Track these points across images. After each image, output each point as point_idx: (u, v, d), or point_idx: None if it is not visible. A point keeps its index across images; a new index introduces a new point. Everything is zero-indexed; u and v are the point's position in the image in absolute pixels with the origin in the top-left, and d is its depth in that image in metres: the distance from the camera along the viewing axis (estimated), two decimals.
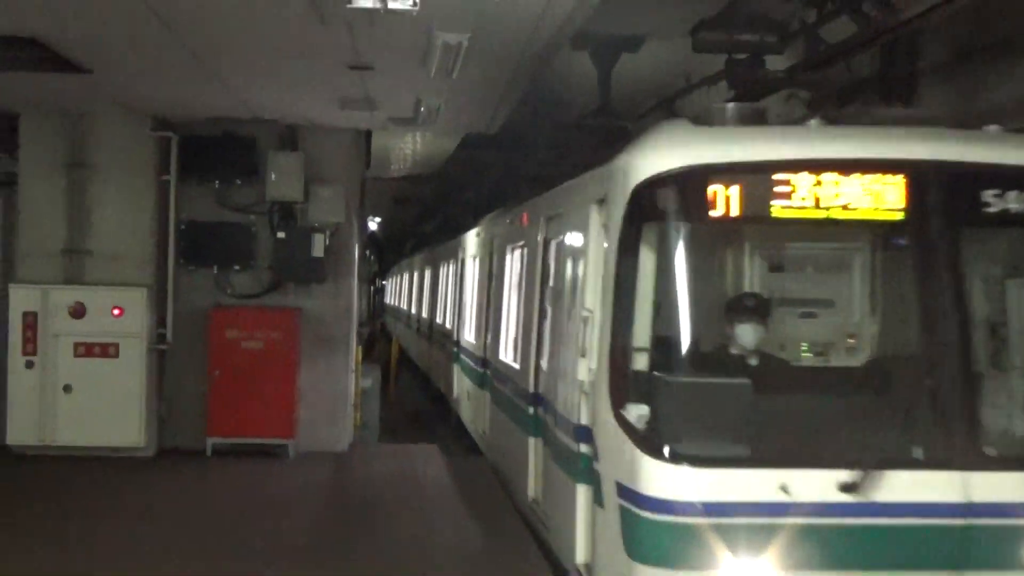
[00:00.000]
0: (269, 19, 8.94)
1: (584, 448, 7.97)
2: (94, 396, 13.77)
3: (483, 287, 15.74)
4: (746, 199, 6.82)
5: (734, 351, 7.52)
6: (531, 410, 10.64)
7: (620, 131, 11.86)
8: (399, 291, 42.51)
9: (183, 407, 14.47)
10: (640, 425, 6.85)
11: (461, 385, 18.44)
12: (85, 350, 13.82)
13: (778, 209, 6.85)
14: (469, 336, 17.25)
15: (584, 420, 8.05)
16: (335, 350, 15.11)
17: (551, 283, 10.26)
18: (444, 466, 14.75)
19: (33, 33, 9.71)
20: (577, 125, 13.98)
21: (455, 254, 21.28)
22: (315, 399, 14.80)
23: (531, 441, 10.60)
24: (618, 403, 7.06)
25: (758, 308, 7.59)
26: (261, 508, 11.82)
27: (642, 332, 7.14)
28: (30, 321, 13.79)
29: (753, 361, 7.52)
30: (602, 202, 7.99)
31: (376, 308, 49.99)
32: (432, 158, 20.80)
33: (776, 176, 6.85)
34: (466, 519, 11.64)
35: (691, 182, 6.92)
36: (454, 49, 9.37)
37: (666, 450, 6.68)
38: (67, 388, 13.77)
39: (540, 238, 10.83)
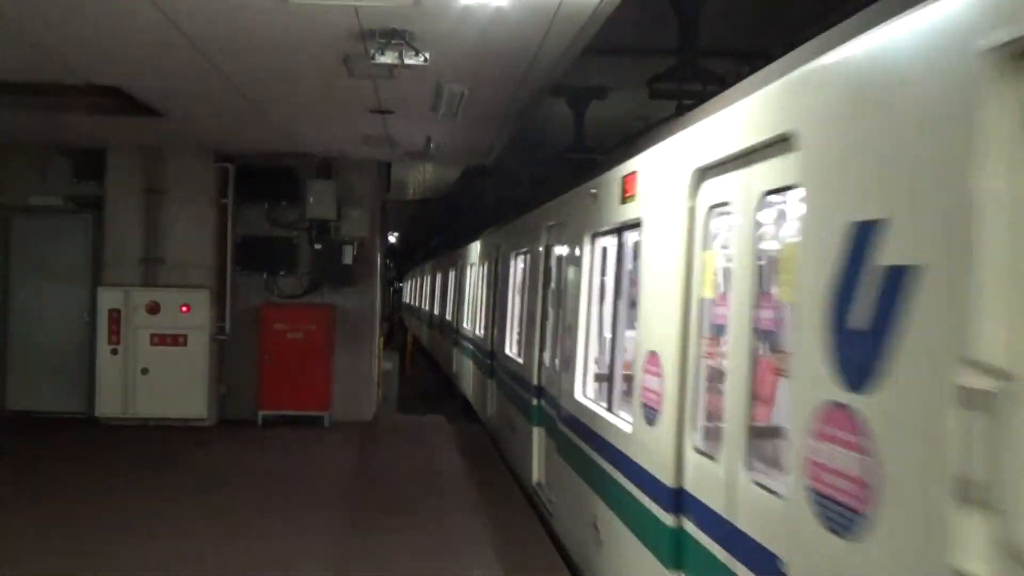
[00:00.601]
0: (309, 74, 8.96)
1: None
2: (166, 377, 13.81)
3: (532, 294, 10.72)
4: None
5: None
6: (669, 521, 5.15)
7: (591, 163, 11.87)
8: (416, 292, 41.91)
9: (239, 386, 14.47)
10: None
11: (496, 406, 13.75)
12: (159, 340, 13.85)
13: None
14: (510, 351, 12.51)
15: None
16: (362, 339, 15.10)
17: (727, 289, 4.73)
18: (449, 431, 14.83)
19: (116, 83, 9.74)
20: (556, 158, 13.98)
21: (485, 254, 16.16)
22: (346, 379, 14.80)
23: None
24: None
25: None
26: (303, 464, 11.87)
27: None
28: (115, 316, 13.84)
29: None
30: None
31: (394, 306, 50.02)
32: (440, 184, 20.79)
33: None
34: (464, 468, 11.71)
35: None
36: (458, 96, 9.40)
37: None
38: (144, 371, 13.80)
39: (687, 206, 5.16)
